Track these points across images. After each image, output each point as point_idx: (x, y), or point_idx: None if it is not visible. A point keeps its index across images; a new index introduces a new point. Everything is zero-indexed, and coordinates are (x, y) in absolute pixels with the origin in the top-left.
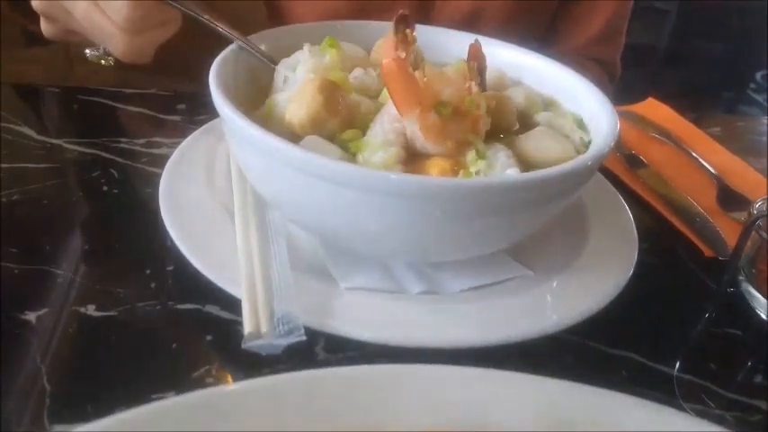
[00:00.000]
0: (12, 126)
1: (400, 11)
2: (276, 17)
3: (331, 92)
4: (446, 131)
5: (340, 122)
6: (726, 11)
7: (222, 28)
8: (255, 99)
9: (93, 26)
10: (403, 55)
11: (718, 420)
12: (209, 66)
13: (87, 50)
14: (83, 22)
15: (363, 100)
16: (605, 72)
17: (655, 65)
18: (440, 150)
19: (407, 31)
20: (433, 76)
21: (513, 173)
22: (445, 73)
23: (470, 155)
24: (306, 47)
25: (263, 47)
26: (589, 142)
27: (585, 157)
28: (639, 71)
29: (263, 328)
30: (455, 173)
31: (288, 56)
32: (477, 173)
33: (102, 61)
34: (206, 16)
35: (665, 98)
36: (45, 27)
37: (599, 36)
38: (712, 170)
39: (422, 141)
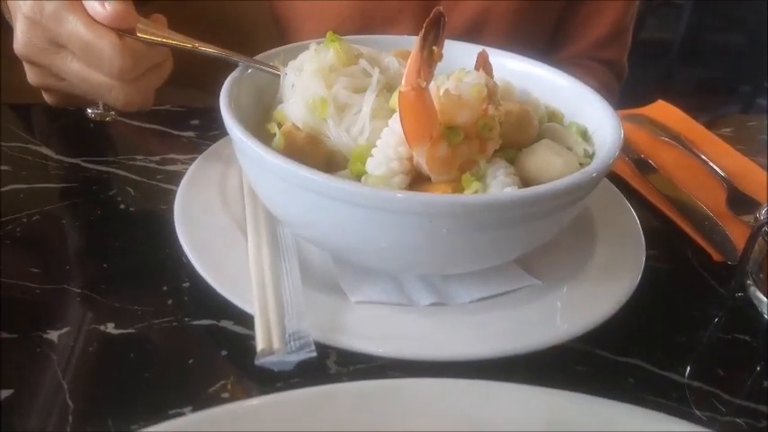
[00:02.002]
0: (31, 146)
1: (436, 8)
2: (281, 20)
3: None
4: (454, 158)
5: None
6: (740, 3)
7: (218, 52)
8: (267, 112)
9: (89, 84)
10: (424, 84)
11: (729, 427)
12: (222, 76)
13: (89, 110)
14: (79, 83)
15: (347, 140)
16: (613, 74)
17: (671, 60)
18: (444, 179)
19: (434, 48)
20: (450, 101)
21: (510, 191)
22: (463, 97)
23: (467, 177)
24: (312, 46)
25: (272, 63)
26: (593, 154)
27: (588, 171)
28: (655, 67)
29: (275, 345)
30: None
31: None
32: (476, 192)
33: (108, 118)
34: (197, 44)
35: (681, 93)
36: (47, 98)
37: (606, 37)
38: (722, 173)
39: (427, 170)
